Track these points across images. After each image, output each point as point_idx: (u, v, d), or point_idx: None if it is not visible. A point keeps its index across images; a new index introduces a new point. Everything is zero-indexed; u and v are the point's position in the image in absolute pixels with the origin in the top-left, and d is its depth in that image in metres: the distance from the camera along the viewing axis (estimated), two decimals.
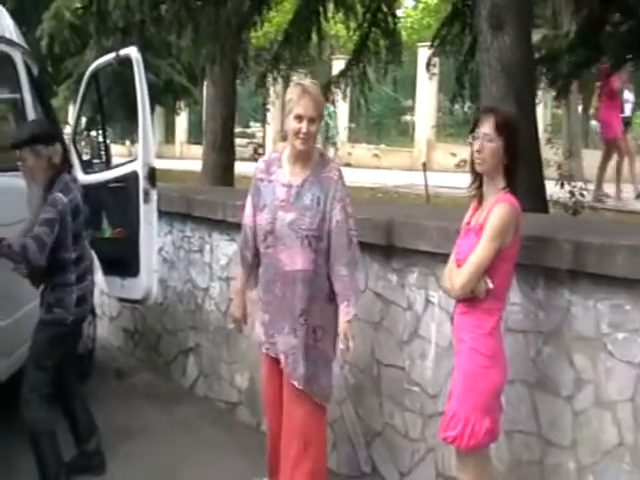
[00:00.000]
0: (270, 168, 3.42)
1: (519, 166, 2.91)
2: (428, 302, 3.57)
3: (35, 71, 5.45)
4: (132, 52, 4.91)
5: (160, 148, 28.77)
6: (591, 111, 15.14)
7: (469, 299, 2.87)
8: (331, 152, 16.95)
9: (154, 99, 17.37)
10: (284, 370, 3.40)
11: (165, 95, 17.09)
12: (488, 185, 2.91)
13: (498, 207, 2.80)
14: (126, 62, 5.00)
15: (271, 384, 3.53)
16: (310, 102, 3.23)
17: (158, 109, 22.28)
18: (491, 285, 2.79)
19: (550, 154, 8.86)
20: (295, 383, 3.35)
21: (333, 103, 17.08)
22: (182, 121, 27.53)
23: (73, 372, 4.21)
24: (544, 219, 3.87)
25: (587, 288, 2.90)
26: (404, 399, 3.67)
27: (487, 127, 2.84)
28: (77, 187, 3.94)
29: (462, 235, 2.97)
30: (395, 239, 3.69)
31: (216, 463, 4.24)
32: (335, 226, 3.28)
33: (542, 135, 16.29)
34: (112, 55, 5.15)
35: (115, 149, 20.29)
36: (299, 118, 3.23)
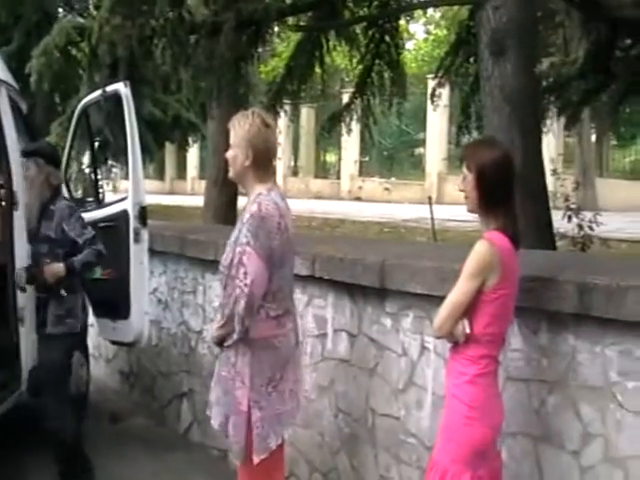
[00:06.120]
0: None
1: (507, 204, 2.63)
2: (423, 348, 3.32)
3: (24, 108, 5.32)
4: (120, 88, 4.78)
5: (172, 184, 28.95)
6: None
7: (454, 344, 2.64)
8: None
9: (162, 136, 17.32)
10: None
11: (173, 131, 17.04)
12: (481, 225, 2.68)
13: (476, 245, 2.56)
14: (115, 98, 4.88)
15: None
16: None
17: (169, 146, 22.27)
18: (468, 330, 2.55)
19: (557, 185, 8.66)
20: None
21: None
22: (193, 157, 27.63)
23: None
24: (546, 257, 3.62)
25: (593, 332, 2.65)
26: (400, 451, 3.42)
27: (464, 164, 2.63)
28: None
29: None
30: (388, 281, 3.45)
31: None
32: None
33: (552, 165, 16.12)
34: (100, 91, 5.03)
35: (124, 185, 20.30)
36: None
